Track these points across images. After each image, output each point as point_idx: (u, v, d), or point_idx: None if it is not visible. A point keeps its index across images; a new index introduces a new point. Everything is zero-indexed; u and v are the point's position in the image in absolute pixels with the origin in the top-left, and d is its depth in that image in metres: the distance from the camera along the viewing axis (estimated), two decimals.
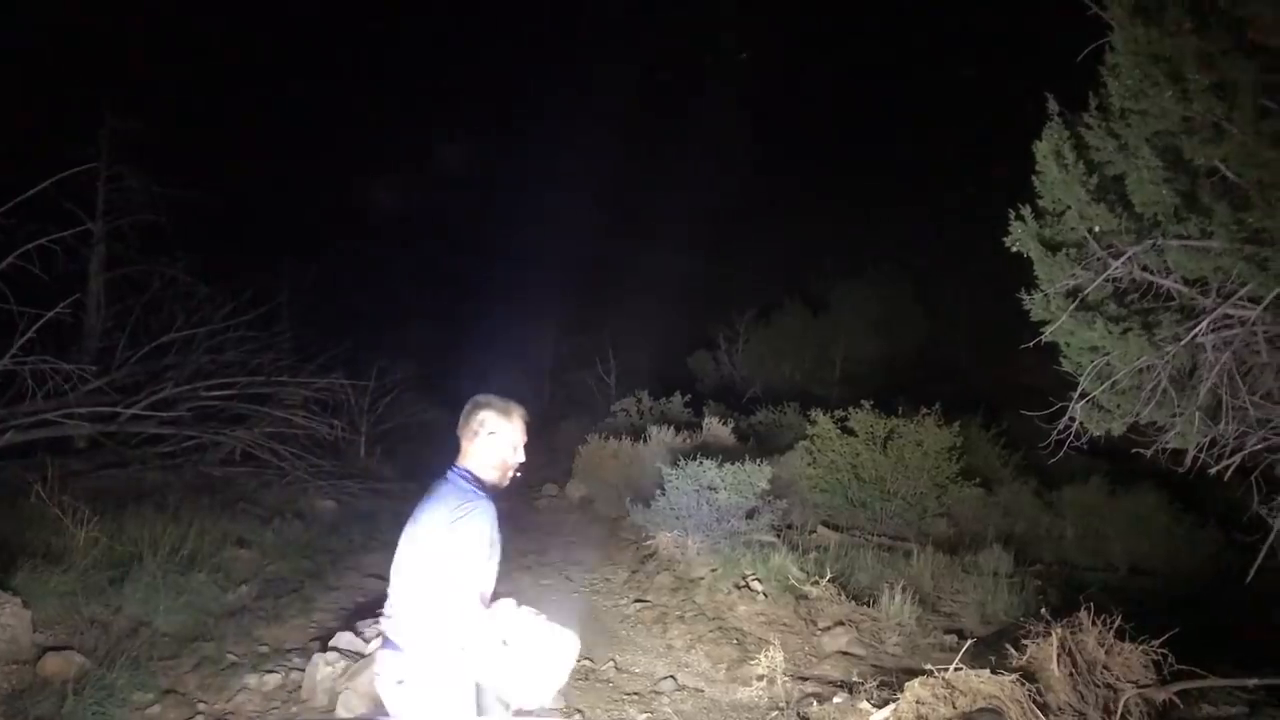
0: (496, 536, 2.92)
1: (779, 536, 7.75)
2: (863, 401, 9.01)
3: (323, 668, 5.36)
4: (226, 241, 13.08)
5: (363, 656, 5.40)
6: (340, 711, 5.05)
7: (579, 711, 5.31)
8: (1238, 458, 4.98)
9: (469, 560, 2.81)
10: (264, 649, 6.04)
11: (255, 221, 15.30)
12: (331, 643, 5.63)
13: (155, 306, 10.76)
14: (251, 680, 5.52)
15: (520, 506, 10.24)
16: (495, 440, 3.06)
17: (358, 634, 5.67)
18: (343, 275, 17.86)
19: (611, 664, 6.00)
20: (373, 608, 6.45)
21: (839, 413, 9.12)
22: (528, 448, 3.16)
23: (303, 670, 5.52)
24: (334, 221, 19.45)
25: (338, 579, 7.46)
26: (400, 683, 2.84)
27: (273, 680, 5.54)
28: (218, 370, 10.48)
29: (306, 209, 18.74)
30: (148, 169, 10.77)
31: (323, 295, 14.80)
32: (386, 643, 2.98)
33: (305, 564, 7.74)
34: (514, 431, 3.09)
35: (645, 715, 5.29)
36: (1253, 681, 4.85)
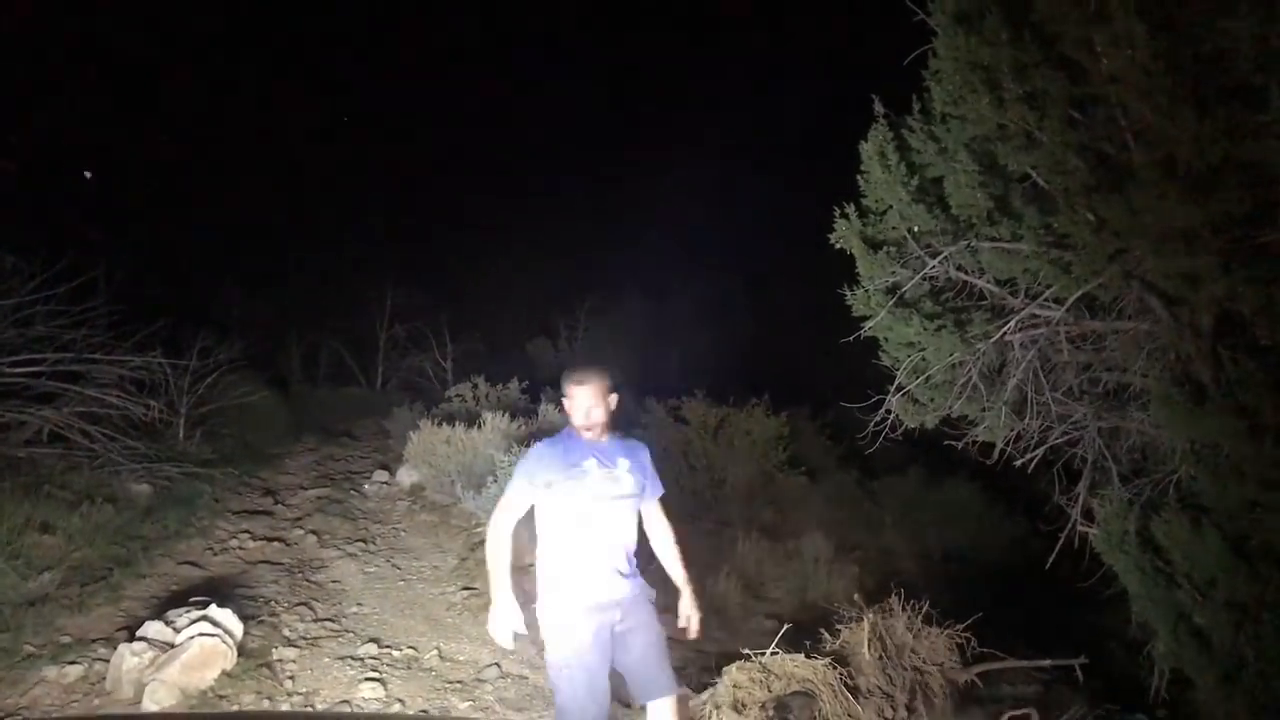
0: (553, 475, 3.65)
1: None
2: (696, 391, 9.14)
3: (129, 658, 5.10)
4: (36, 210, 12.34)
5: (173, 647, 5.17)
6: (147, 704, 4.82)
7: (400, 701, 5.23)
8: (1041, 451, 5.28)
9: (512, 480, 3.76)
10: (66, 639, 5.70)
11: (70, 190, 14.49)
12: (139, 632, 5.35)
13: None
14: (50, 672, 5.23)
15: (349, 494, 10.00)
16: (570, 403, 3.71)
17: (168, 623, 5.41)
18: (166, 250, 17.07)
19: (435, 652, 5.93)
20: (186, 596, 6.19)
21: (672, 402, 9.23)
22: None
23: (108, 661, 5.25)
24: (157, 193, 18.55)
25: (150, 566, 7.11)
26: None
27: (74, 672, 5.25)
28: (24, 346, 9.83)
29: (128, 177, 17.82)
30: None
31: (143, 269, 14.07)
32: None
33: (115, 550, 7.35)
34: (580, 396, 3.67)
35: (468, 704, 5.24)
36: (1047, 662, 5.16)
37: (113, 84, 18.36)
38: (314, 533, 8.34)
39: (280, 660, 5.63)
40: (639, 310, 18.48)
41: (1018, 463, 5.36)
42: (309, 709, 5.10)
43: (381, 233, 20.61)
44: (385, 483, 10.28)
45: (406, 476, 10.13)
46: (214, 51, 22.42)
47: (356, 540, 8.28)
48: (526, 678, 5.58)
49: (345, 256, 19.72)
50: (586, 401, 3.66)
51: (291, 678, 5.44)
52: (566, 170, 22.96)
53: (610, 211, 21.52)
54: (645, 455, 3.95)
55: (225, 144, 20.90)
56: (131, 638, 5.35)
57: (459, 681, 5.55)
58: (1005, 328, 4.82)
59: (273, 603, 6.59)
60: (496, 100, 25.06)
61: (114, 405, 9.87)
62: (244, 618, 5.76)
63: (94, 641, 5.70)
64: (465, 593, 7.00)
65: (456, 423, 9.70)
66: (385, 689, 5.34)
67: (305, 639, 6.00)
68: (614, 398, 3.75)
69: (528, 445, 7.67)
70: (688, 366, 16.88)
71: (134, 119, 18.58)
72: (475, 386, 11.93)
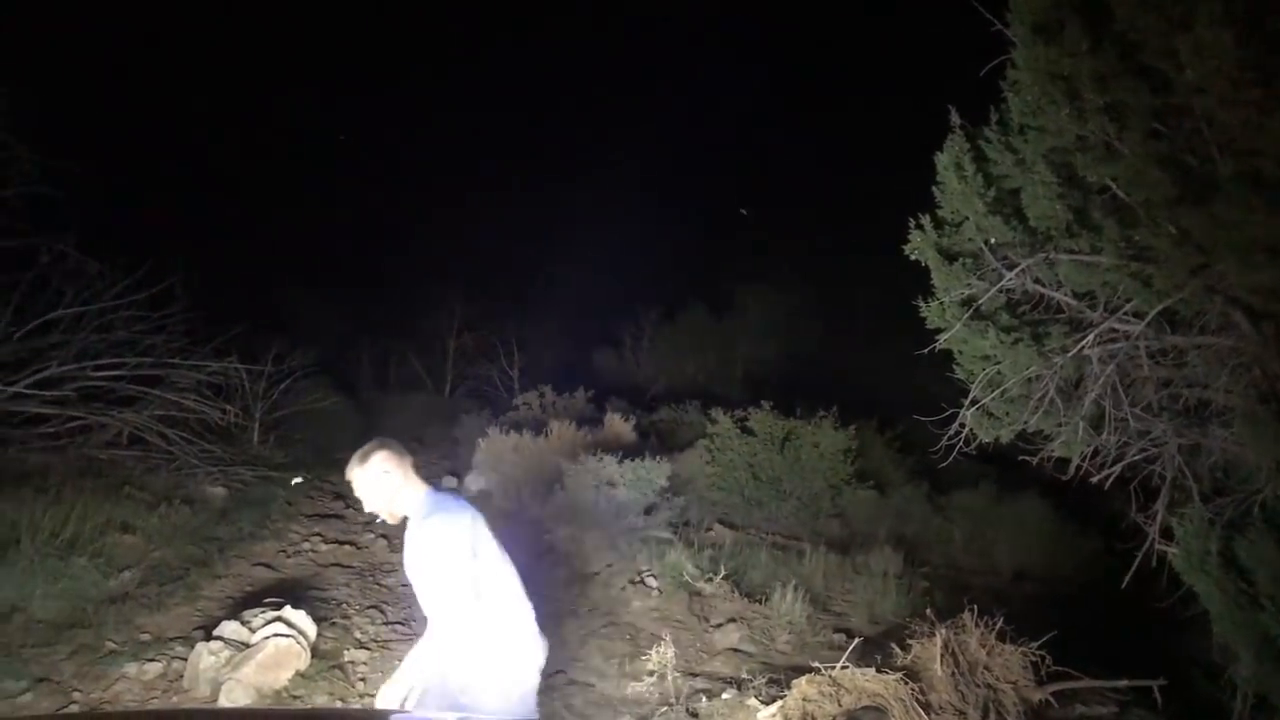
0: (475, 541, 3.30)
1: (676, 533, 7.80)
2: (762, 402, 9.11)
3: (206, 657, 5.22)
4: (120, 220, 12.66)
5: (248, 646, 5.28)
6: (223, 702, 4.92)
7: None
8: (1118, 467, 5.17)
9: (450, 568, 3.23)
10: (145, 637, 5.85)
11: (153, 201, 14.88)
12: (216, 632, 5.49)
13: (43, 282, 10.36)
14: (131, 669, 5.36)
15: None
16: None
17: (244, 623, 5.53)
18: (243, 257, 17.45)
19: None
20: (260, 597, 6.31)
21: (739, 412, 9.21)
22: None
23: (185, 659, 5.37)
24: (236, 203, 19.03)
25: (225, 567, 7.26)
26: None
27: (153, 669, 5.38)
28: (107, 350, 10.11)
29: (209, 190, 18.29)
30: (38, 141, 10.37)
31: (221, 277, 14.40)
32: None
33: (192, 551, 7.52)
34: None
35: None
36: (1123, 683, 5.04)
37: (195, 92, 18.89)
38: (384, 537, 8.45)
39: (352, 662, 5.71)
40: (704, 320, 18.45)
41: (1094, 479, 5.26)
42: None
43: (452, 243, 20.85)
44: (453, 489, 10.38)
45: (474, 483, 10.23)
46: (291, 63, 22.94)
47: None
48: (594, 685, 5.59)
49: (417, 266, 19.98)
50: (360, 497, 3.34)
51: (363, 679, 5.51)
52: (629, 180, 23.01)
53: (674, 221, 21.52)
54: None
55: (299, 154, 21.36)
56: (208, 637, 5.47)
57: None
58: (1083, 342, 4.73)
59: (344, 605, 6.69)
60: (566, 114, 25.19)
61: (191, 409, 10.11)
62: (317, 619, 5.86)
63: (172, 640, 5.83)
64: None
65: (524, 430, 9.78)
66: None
67: (376, 641, 6.08)
68: (388, 476, 3.30)
69: (593, 454, 7.77)
70: (754, 377, 16.87)
71: (215, 130, 19.09)
72: (542, 395, 12.02)
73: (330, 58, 24.52)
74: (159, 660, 5.48)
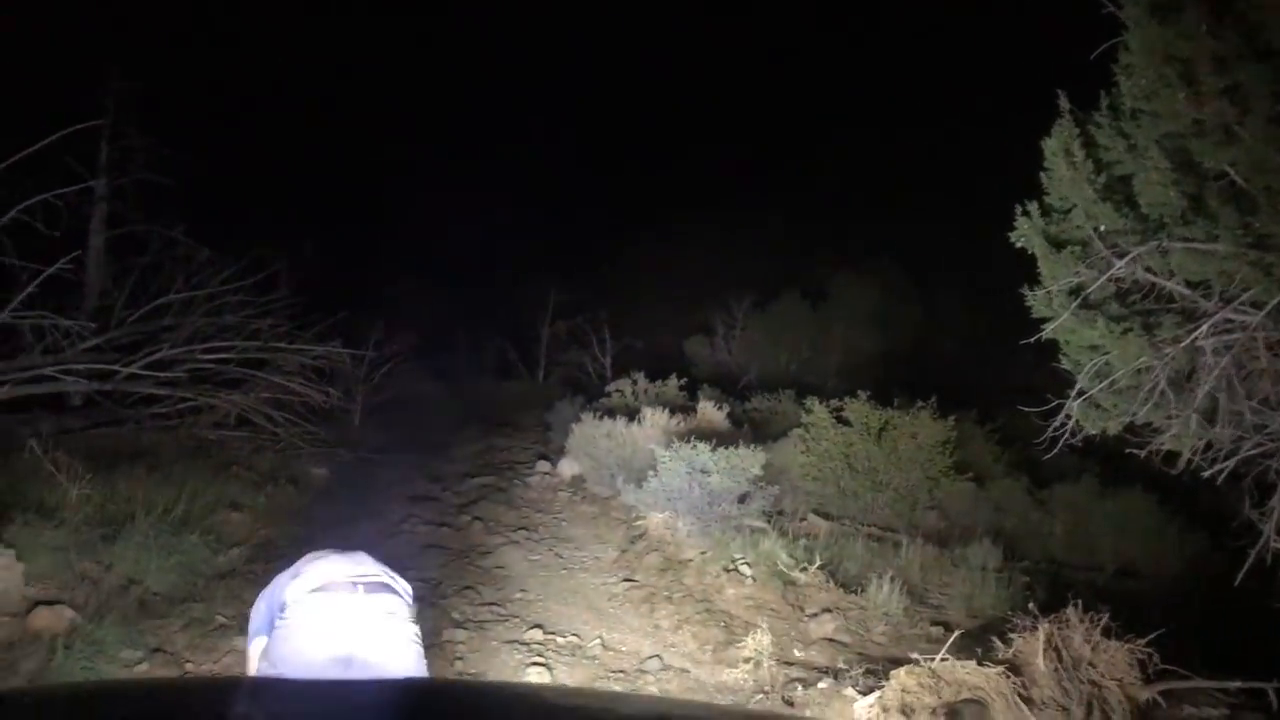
0: None
1: (769, 522, 7.77)
2: (859, 392, 9.01)
3: None
4: (227, 206, 13.07)
5: None
6: None
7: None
8: (1232, 462, 5.00)
9: None
10: None
11: (258, 188, 15.28)
12: None
13: (155, 267, 10.75)
14: (240, 642, 5.53)
15: (512, 483, 10.27)
16: None
17: None
18: (344, 244, 17.89)
19: (598, 641, 6.03)
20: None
21: (834, 402, 9.12)
22: None
23: None
24: (340, 191, 19.51)
25: (328, 545, 7.46)
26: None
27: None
28: (215, 333, 10.47)
29: (313, 179, 18.75)
30: (151, 129, 10.77)
31: (323, 263, 14.77)
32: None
33: (297, 530, 7.75)
34: None
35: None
36: (1235, 684, 4.88)
37: (302, 83, 19.38)
38: (479, 519, 8.60)
39: (450, 641, 5.82)
40: (797, 309, 18.30)
41: (1205, 474, 5.11)
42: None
43: (546, 232, 21.07)
44: (547, 473, 10.50)
45: (567, 468, 10.32)
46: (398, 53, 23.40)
47: (520, 528, 8.49)
48: (688, 671, 5.62)
49: (511, 254, 20.25)
50: None
51: (460, 659, 5.62)
52: (724, 169, 22.90)
53: (766, 209, 21.35)
54: None
55: (395, 143, 21.77)
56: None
57: (621, 671, 5.63)
58: (1197, 332, 4.59)
59: (442, 585, 6.83)
60: (658, 100, 25.16)
61: (296, 392, 10.41)
62: (414, 599, 5.97)
63: None
64: (626, 584, 7.10)
65: (617, 417, 9.84)
66: (551, 674, 5.47)
67: (473, 622, 6.19)
68: None
69: (686, 442, 7.78)
70: (849, 366, 16.70)
71: (322, 120, 19.56)
72: (634, 382, 12.06)
73: (449, 47, 24.94)
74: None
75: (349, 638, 2.61)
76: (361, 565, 2.88)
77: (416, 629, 2.85)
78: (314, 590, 2.73)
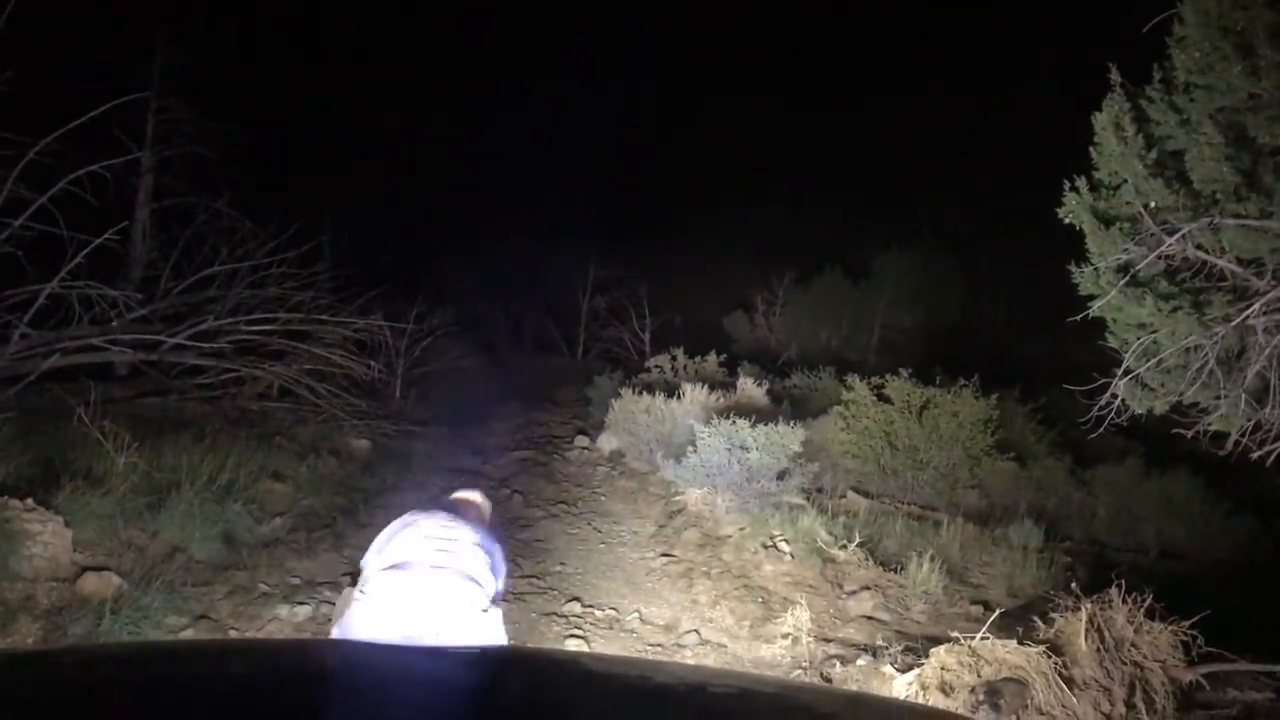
0: None
1: (809, 499, 7.74)
2: (900, 370, 8.94)
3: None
4: (271, 179, 13.15)
5: None
6: None
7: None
8: None
9: None
10: (296, 581, 6.13)
11: (301, 161, 15.37)
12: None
13: (200, 239, 10.85)
14: (283, 611, 5.62)
15: (551, 457, 10.31)
16: None
17: None
18: (386, 218, 17.97)
19: (636, 615, 6.05)
20: None
21: (875, 380, 9.06)
22: None
23: (333, 603, 5.58)
24: (381, 165, 19.58)
25: (369, 516, 7.52)
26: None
27: (303, 612, 5.63)
28: (259, 306, 10.55)
29: (358, 152, 18.84)
30: (197, 103, 10.85)
31: (365, 236, 14.86)
32: None
33: (338, 500, 7.83)
34: None
35: None
36: None
37: (348, 58, 19.45)
38: (519, 493, 8.64)
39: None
40: (839, 286, 18.19)
41: (1254, 455, 5.02)
42: None
43: (587, 208, 21.04)
44: (586, 448, 10.54)
45: (606, 443, 10.34)
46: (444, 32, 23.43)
47: (559, 502, 8.53)
48: (726, 646, 5.62)
49: (552, 229, 20.26)
50: None
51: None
52: (764, 146, 22.73)
53: (808, 184, 21.17)
54: None
55: (441, 114, 21.84)
56: (354, 582, 5.67)
57: (659, 644, 5.65)
58: (1248, 311, 4.50)
59: None
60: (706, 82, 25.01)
61: (338, 364, 10.49)
62: (504, 573, 6.03)
63: (320, 584, 6.09)
64: (664, 559, 7.11)
65: (656, 392, 9.83)
66: (589, 647, 5.49)
67: (512, 593, 6.22)
68: None
69: (726, 418, 7.76)
70: (891, 344, 16.60)
71: (366, 95, 19.65)
72: (674, 358, 12.05)
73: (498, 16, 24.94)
74: (308, 604, 5.72)
75: (422, 622, 2.63)
76: (455, 536, 2.88)
77: (498, 614, 2.86)
78: (391, 567, 2.75)
